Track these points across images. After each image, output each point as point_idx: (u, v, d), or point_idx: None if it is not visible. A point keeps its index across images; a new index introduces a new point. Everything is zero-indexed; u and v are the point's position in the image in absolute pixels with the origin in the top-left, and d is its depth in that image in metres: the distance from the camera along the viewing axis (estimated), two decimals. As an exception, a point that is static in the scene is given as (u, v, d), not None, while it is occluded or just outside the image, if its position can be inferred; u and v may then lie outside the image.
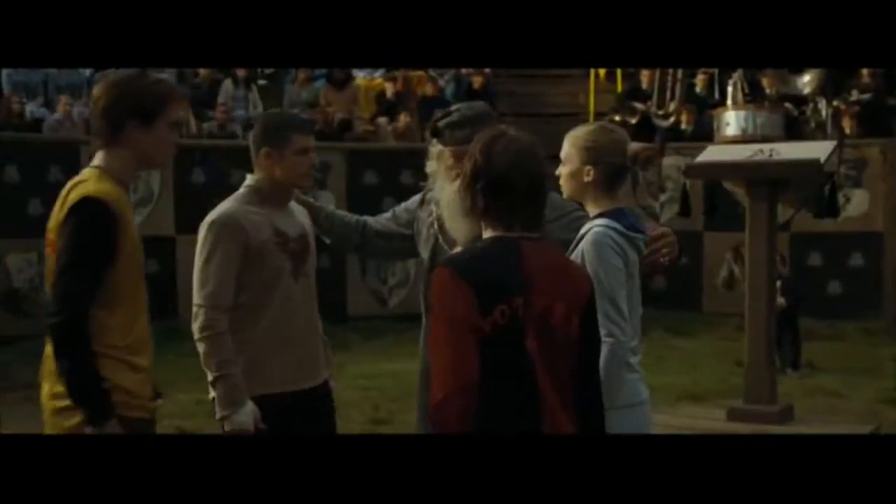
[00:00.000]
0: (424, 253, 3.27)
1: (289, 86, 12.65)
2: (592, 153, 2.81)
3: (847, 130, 10.70)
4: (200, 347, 2.97)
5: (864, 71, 11.70)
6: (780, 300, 8.17)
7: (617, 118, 12.06)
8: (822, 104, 11.05)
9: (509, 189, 2.19)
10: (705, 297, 10.84)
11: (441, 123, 3.12)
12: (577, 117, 13.21)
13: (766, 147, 4.55)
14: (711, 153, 4.89)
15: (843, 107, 11.14)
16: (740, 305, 10.46)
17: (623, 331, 2.65)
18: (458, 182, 2.94)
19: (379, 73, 13.20)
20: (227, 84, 12.07)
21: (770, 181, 4.48)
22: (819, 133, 10.95)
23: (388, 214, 3.42)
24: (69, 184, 2.65)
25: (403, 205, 3.42)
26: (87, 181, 2.62)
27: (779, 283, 8.71)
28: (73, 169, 10.25)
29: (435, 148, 3.15)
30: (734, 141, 10.00)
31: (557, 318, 2.17)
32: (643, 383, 2.79)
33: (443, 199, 3.11)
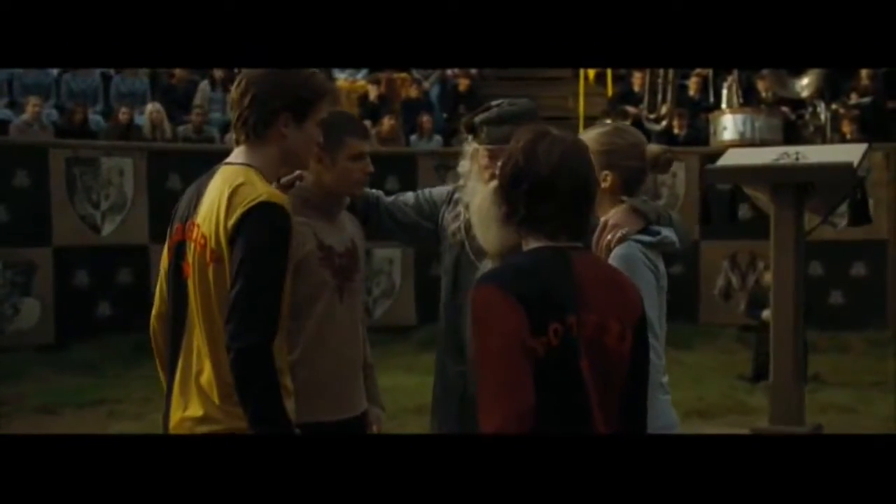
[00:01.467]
0: (446, 259, 3.04)
1: None
2: (608, 157, 2.62)
3: (847, 135, 10.51)
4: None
5: (864, 74, 11.60)
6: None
7: (607, 122, 11.85)
8: (822, 108, 10.91)
9: (555, 194, 2.04)
10: (702, 308, 10.63)
11: (478, 119, 2.92)
12: (566, 122, 13.05)
13: (792, 150, 4.32)
14: (733, 157, 4.64)
15: (842, 110, 10.97)
16: (737, 316, 10.47)
17: (658, 353, 2.47)
18: (491, 185, 2.78)
19: (361, 74, 12.96)
20: (204, 85, 11.85)
21: (797, 186, 4.23)
22: (818, 137, 10.79)
23: (408, 199, 3.15)
24: (227, 183, 2.36)
25: (429, 192, 3.16)
26: (250, 183, 2.35)
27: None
28: (42, 174, 10.06)
29: (469, 146, 2.95)
30: (732, 145, 9.87)
31: (611, 336, 2.05)
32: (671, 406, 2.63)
33: (473, 203, 2.90)
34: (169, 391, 2.48)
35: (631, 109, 11.62)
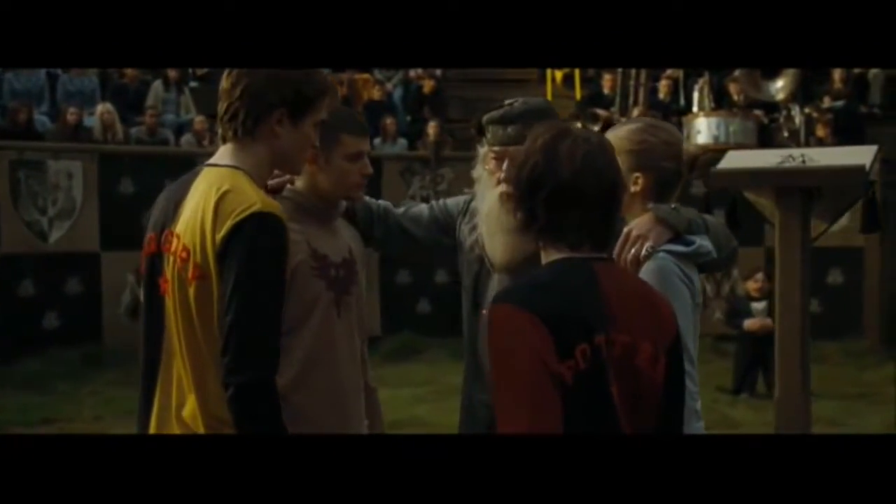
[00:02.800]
0: (466, 276, 2.76)
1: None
2: (640, 157, 2.38)
3: (823, 139, 10.39)
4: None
5: (836, 77, 11.53)
6: (768, 320, 7.80)
7: (578, 125, 11.65)
8: (796, 111, 10.77)
9: (578, 199, 1.87)
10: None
11: (485, 119, 2.67)
12: (534, 124, 12.81)
13: (797, 153, 4.03)
14: (734, 159, 4.35)
15: (815, 114, 10.86)
16: (712, 325, 10.27)
17: (693, 379, 2.25)
18: (497, 191, 2.58)
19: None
20: (157, 86, 11.55)
21: (803, 190, 3.95)
22: (792, 141, 10.65)
23: (422, 211, 2.87)
24: (213, 189, 2.11)
25: (443, 202, 2.89)
26: (240, 189, 2.10)
27: (765, 304, 8.33)
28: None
29: (482, 148, 2.71)
30: (706, 149, 9.68)
31: (643, 358, 1.88)
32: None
33: (482, 210, 2.66)
34: (143, 426, 2.22)
35: (601, 112, 11.44)
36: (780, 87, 10.46)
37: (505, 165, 2.58)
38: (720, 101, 11.61)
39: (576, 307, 1.82)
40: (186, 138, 10.92)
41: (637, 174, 2.35)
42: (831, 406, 7.25)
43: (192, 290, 2.10)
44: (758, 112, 11.22)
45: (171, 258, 2.14)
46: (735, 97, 11.65)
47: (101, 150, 9.94)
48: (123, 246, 8.93)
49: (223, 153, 2.21)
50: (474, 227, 2.75)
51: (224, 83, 2.21)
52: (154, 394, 2.19)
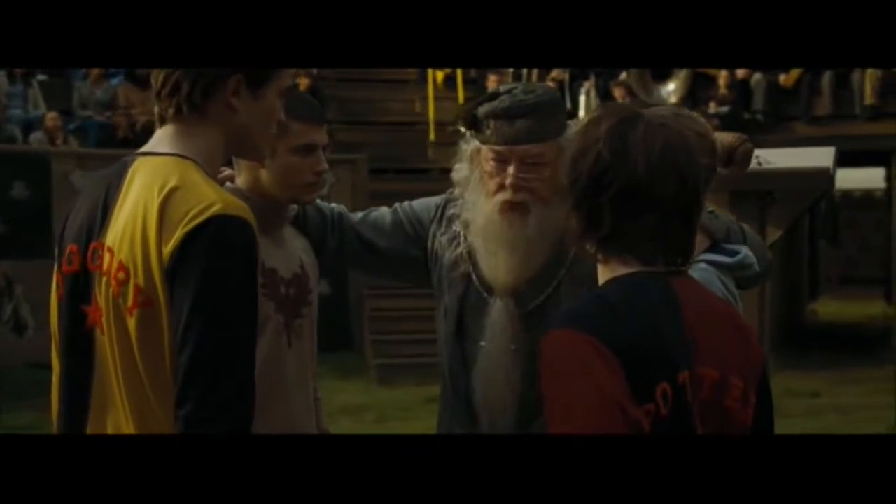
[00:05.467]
0: (446, 299, 2.32)
1: (79, 82, 11.61)
2: None
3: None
4: None
5: (722, 82, 11.58)
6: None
7: (461, 128, 11.36)
8: (686, 115, 10.73)
9: (655, 200, 1.54)
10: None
11: (482, 111, 2.23)
12: (414, 127, 12.48)
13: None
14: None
15: (702, 119, 10.82)
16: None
17: None
18: (501, 198, 2.18)
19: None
20: (1, 78, 10.94)
21: (759, 194, 3.66)
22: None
23: (383, 217, 2.42)
24: (155, 187, 1.67)
25: (409, 206, 2.43)
26: (191, 185, 1.67)
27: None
28: None
29: (469, 145, 2.28)
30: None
31: (733, 398, 1.58)
32: None
33: (477, 221, 2.24)
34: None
35: (486, 114, 11.13)
36: (671, 90, 10.41)
37: (512, 169, 2.15)
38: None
39: (655, 335, 1.50)
40: (36, 136, 10.39)
41: None
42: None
43: (133, 322, 1.65)
44: (645, 116, 11.17)
45: (103, 280, 1.69)
46: (620, 101, 11.61)
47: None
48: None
49: (162, 138, 1.75)
50: (454, 238, 2.31)
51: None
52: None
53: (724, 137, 2.09)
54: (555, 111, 2.24)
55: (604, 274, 1.59)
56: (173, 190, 1.64)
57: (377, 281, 9.13)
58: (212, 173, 1.74)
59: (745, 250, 2.06)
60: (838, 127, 11.31)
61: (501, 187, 2.20)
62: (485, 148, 2.23)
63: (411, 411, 8.11)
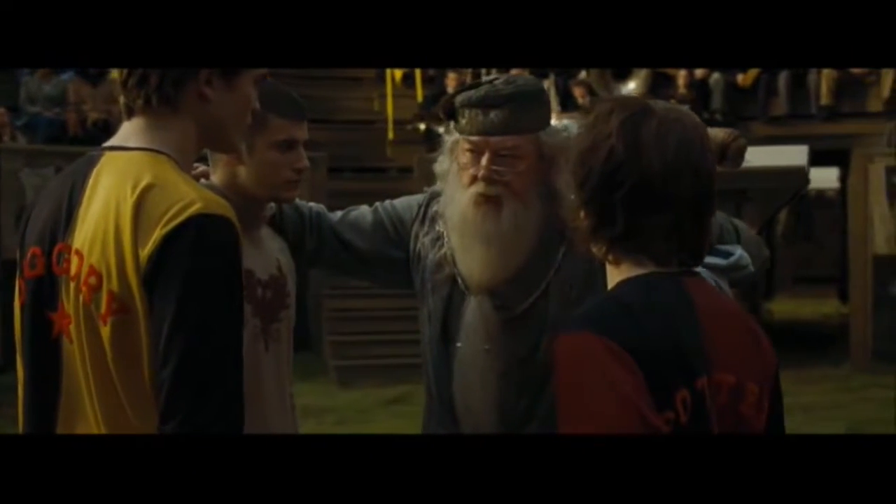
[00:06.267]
0: (430, 301, 2.24)
1: (27, 77, 11.34)
2: None
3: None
4: None
5: (680, 82, 11.61)
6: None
7: (421, 126, 11.31)
8: (646, 114, 10.75)
9: (671, 197, 1.48)
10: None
11: (458, 100, 2.16)
12: (372, 125, 12.39)
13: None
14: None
15: (661, 119, 10.87)
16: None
17: None
18: (474, 191, 2.12)
19: (139, 68, 11.79)
20: None
21: (733, 193, 3.63)
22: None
23: (364, 216, 2.34)
24: (127, 185, 1.57)
25: (391, 205, 2.35)
26: (168, 183, 1.57)
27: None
28: None
29: (450, 137, 2.21)
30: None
31: (749, 404, 1.54)
32: None
33: (453, 215, 2.17)
34: None
35: (446, 113, 11.08)
36: (632, 89, 10.42)
37: (485, 160, 2.09)
38: (565, 104, 11.53)
39: (673, 340, 1.44)
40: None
41: None
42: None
43: (107, 331, 1.55)
44: (605, 115, 11.18)
45: (72, 285, 1.59)
46: (580, 100, 11.59)
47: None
48: None
49: (131, 132, 1.65)
50: (438, 238, 2.23)
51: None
52: None
53: (716, 133, 2.04)
54: (534, 104, 2.17)
55: (615, 275, 1.53)
56: (148, 188, 1.55)
57: (359, 282, 9.03)
58: (185, 169, 1.65)
59: (739, 251, 2.02)
60: (795, 127, 11.40)
61: (474, 179, 2.14)
62: (461, 139, 2.17)
63: (371, 413, 8.03)
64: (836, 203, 16.32)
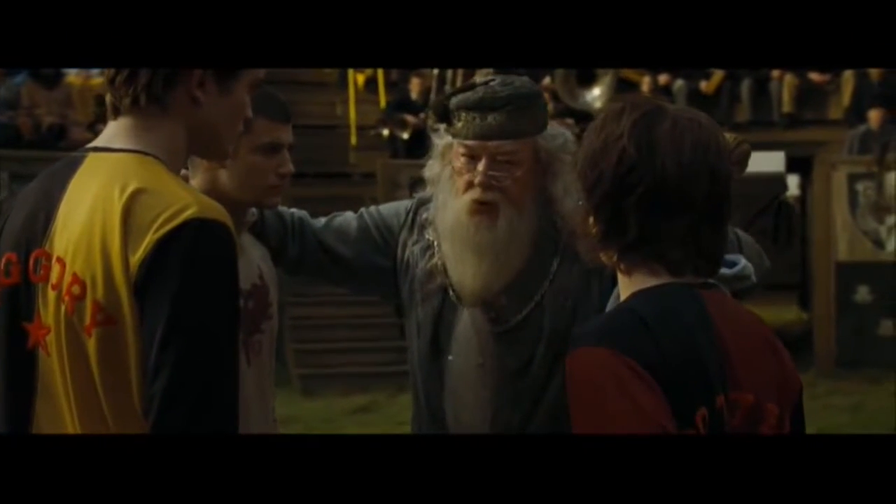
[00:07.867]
0: (419, 312, 2.17)
1: None
2: None
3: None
4: None
5: (644, 88, 11.67)
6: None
7: (385, 132, 11.24)
8: (611, 121, 10.77)
9: (687, 203, 1.42)
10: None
11: (454, 102, 2.09)
12: (334, 130, 12.29)
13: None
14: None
15: (627, 125, 10.91)
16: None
17: None
18: (469, 197, 2.06)
19: (96, 71, 11.59)
20: None
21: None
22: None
23: (349, 223, 2.26)
24: (114, 188, 1.49)
25: (377, 211, 2.28)
26: (160, 187, 1.49)
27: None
28: None
29: (441, 140, 2.14)
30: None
31: (769, 425, 1.48)
32: None
33: (445, 223, 2.11)
34: None
35: (410, 119, 11.04)
36: (596, 95, 10.41)
37: (482, 165, 2.02)
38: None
39: (692, 355, 1.38)
40: None
41: None
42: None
43: (92, 343, 1.46)
44: (569, 121, 11.14)
45: (52, 295, 1.50)
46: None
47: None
48: None
49: (117, 132, 1.56)
50: (428, 247, 2.16)
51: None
52: None
53: None
54: (532, 106, 2.12)
55: (627, 286, 1.46)
56: (138, 191, 1.47)
57: (343, 291, 8.90)
58: (174, 172, 1.57)
59: (742, 261, 1.96)
60: (757, 134, 11.44)
61: (470, 185, 2.08)
62: (456, 143, 2.11)
63: (338, 423, 7.93)
64: (796, 210, 16.50)
